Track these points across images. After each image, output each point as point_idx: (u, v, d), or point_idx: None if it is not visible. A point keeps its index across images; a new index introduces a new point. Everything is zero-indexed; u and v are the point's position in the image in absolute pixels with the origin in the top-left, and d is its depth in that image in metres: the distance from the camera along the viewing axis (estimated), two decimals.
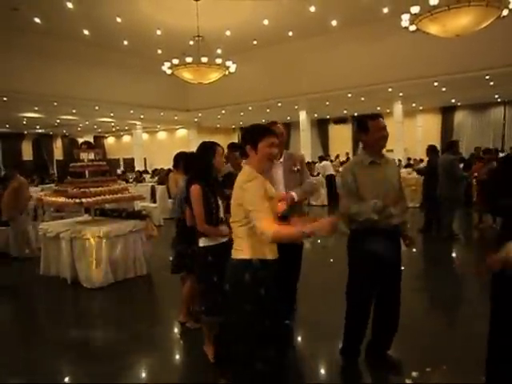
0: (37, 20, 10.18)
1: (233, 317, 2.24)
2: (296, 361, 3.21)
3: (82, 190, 5.35)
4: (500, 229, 2.41)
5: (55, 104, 12.93)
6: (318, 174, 12.48)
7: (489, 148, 7.97)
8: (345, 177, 2.77)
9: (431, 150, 7.62)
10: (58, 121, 17.19)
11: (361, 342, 2.93)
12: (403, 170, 11.60)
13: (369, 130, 2.69)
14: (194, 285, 3.88)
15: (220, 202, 2.99)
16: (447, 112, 17.56)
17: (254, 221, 2.02)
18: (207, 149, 3.00)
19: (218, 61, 9.43)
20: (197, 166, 3.05)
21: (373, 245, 2.63)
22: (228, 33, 11.66)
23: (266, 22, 11.01)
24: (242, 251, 2.15)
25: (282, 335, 2.29)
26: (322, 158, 13.78)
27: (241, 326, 2.18)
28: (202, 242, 2.97)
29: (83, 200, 5.23)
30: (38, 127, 19.80)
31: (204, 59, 9.11)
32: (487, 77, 10.99)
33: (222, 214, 2.99)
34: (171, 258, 3.92)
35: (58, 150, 23.57)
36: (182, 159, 5.04)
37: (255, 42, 12.81)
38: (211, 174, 2.99)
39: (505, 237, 2.35)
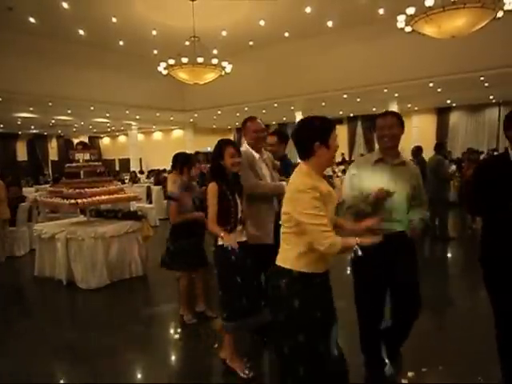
0: (31, 20, 10.12)
1: (272, 324, 2.15)
2: None
3: (77, 190, 5.32)
4: (481, 229, 2.44)
5: (50, 104, 12.85)
6: None
7: (473, 149, 8.08)
8: (349, 171, 2.76)
9: (416, 150, 7.74)
10: (53, 121, 17.10)
11: (379, 340, 2.84)
12: None
13: (375, 128, 2.64)
14: (189, 282, 4.06)
15: (239, 201, 2.88)
16: (442, 113, 17.64)
17: (318, 235, 1.88)
18: (216, 148, 2.91)
19: (214, 61, 9.41)
20: (212, 165, 2.98)
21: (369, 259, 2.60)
22: (224, 33, 11.65)
23: (262, 22, 11.01)
24: (285, 259, 2.03)
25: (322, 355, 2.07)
26: None
27: (277, 336, 2.09)
28: (220, 240, 2.82)
29: (79, 201, 5.20)
30: (32, 127, 19.67)
31: (200, 60, 9.09)
32: (482, 78, 11.04)
33: (240, 214, 2.88)
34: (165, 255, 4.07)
35: (52, 150, 23.44)
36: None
37: (251, 43, 12.80)
38: (226, 174, 2.86)
39: (486, 237, 2.40)
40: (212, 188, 2.79)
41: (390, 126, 2.58)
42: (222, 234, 2.73)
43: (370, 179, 2.57)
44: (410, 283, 2.64)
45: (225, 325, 2.89)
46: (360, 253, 1.90)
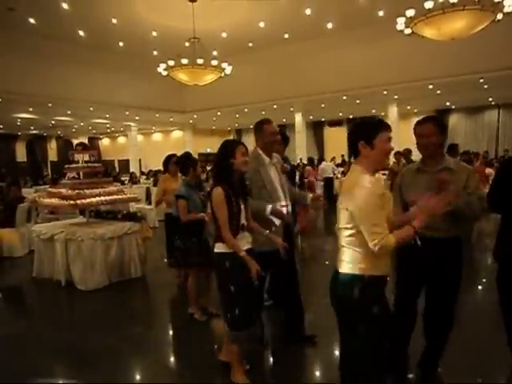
0: (32, 20, 10.13)
1: (345, 338, 2.05)
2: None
3: (76, 191, 5.31)
4: (499, 226, 2.46)
5: (50, 105, 12.86)
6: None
7: (467, 150, 8.26)
8: (396, 182, 2.75)
9: (407, 153, 7.87)
10: (53, 122, 17.11)
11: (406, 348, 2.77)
12: None
13: (415, 135, 2.59)
14: (198, 281, 4.04)
15: (242, 207, 2.71)
16: (442, 114, 17.63)
17: (368, 235, 1.84)
18: (227, 147, 2.75)
19: (214, 62, 9.43)
20: (217, 166, 2.80)
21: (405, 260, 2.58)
22: (224, 35, 11.67)
23: (261, 24, 11.03)
24: (351, 264, 1.94)
25: (400, 362, 2.10)
26: (321, 160, 13.95)
27: (355, 348, 1.98)
28: (218, 248, 2.70)
29: (78, 202, 5.20)
30: (32, 128, 19.68)
31: (200, 61, 9.10)
32: (481, 80, 11.07)
33: (243, 220, 2.72)
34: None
35: (52, 151, 23.45)
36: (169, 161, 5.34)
37: (251, 44, 12.83)
38: (232, 175, 2.70)
39: (503, 234, 2.41)
40: (219, 193, 2.62)
41: (427, 134, 2.51)
42: (242, 254, 2.62)
43: (410, 189, 2.52)
44: (442, 297, 2.63)
45: (229, 333, 2.81)
46: (419, 242, 1.93)
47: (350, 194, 1.92)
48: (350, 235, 1.93)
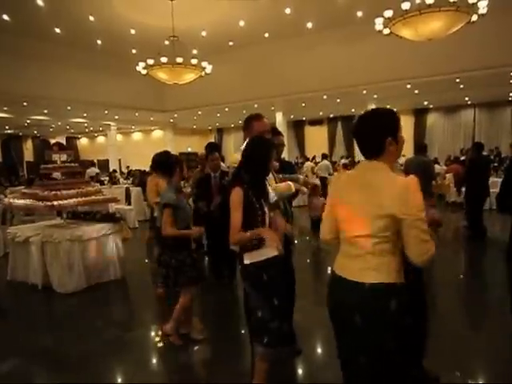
0: (5, 17, 9.86)
1: (367, 356, 1.73)
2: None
3: (53, 192, 5.19)
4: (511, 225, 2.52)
5: (25, 104, 12.54)
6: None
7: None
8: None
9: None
10: (29, 121, 16.70)
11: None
12: None
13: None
14: (190, 298, 3.51)
15: (266, 209, 2.47)
16: (420, 114, 17.99)
17: (417, 243, 1.63)
18: (266, 150, 2.49)
19: (194, 61, 9.35)
20: (253, 163, 2.46)
21: None
22: (204, 33, 11.59)
23: (241, 23, 11.00)
24: (381, 273, 1.69)
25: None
26: (311, 159, 13.98)
27: (383, 366, 1.72)
28: (247, 259, 2.42)
29: (54, 203, 5.08)
30: (6, 128, 19.18)
31: (179, 59, 9.01)
32: (458, 80, 11.30)
33: (267, 224, 2.47)
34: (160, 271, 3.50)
35: (28, 151, 22.91)
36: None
37: (231, 43, 12.78)
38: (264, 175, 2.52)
39: None
40: (237, 193, 2.36)
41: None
42: (262, 232, 2.33)
43: None
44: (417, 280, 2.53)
45: (265, 352, 2.44)
46: None
47: (399, 199, 1.63)
48: (384, 242, 1.69)
